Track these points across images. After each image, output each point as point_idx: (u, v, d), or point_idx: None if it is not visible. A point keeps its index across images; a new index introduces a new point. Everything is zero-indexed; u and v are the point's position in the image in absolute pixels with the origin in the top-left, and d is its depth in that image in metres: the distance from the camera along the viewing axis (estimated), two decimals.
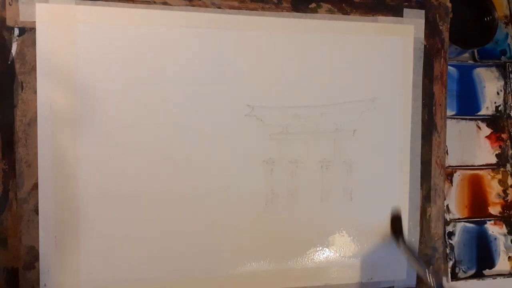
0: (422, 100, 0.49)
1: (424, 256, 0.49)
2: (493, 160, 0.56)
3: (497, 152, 0.56)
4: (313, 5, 0.46)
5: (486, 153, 0.56)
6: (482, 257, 0.55)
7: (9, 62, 0.39)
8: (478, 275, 0.54)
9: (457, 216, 0.54)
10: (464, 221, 0.54)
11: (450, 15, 0.49)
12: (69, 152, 0.40)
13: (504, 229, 0.55)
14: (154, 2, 0.42)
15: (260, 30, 0.44)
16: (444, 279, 0.52)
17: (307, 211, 0.46)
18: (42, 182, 0.40)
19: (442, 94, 0.49)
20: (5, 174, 0.40)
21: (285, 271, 0.46)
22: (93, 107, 0.41)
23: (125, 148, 0.42)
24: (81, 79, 0.40)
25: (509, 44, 0.57)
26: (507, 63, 0.56)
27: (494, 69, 0.56)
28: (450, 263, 0.53)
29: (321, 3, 0.46)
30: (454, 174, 0.55)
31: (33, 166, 0.40)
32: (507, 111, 0.56)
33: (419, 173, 0.49)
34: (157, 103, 0.42)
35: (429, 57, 0.49)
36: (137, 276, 0.42)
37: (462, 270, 0.54)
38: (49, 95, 0.40)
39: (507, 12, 0.57)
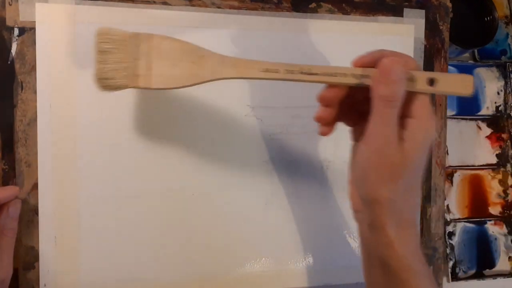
0: None
1: (425, 256, 0.49)
2: (494, 160, 0.56)
3: (497, 152, 0.56)
4: (313, 5, 0.46)
5: (487, 153, 0.56)
6: (482, 257, 0.55)
7: (8, 62, 0.39)
8: (478, 275, 0.54)
9: (457, 216, 0.54)
10: (465, 221, 0.54)
11: (451, 15, 0.49)
12: (69, 152, 0.40)
13: (505, 229, 0.55)
14: (154, 2, 0.42)
15: (260, 30, 0.44)
16: None
17: (307, 211, 0.46)
18: (42, 182, 0.40)
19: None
20: (5, 174, 0.40)
21: (285, 271, 0.46)
22: (93, 107, 0.41)
23: (125, 148, 0.42)
24: (81, 79, 0.40)
25: (509, 44, 0.57)
26: (507, 63, 0.56)
27: (494, 69, 0.56)
28: (450, 263, 0.53)
29: (321, 3, 0.46)
30: (455, 174, 0.54)
31: (33, 166, 0.40)
32: (507, 111, 0.56)
33: None
34: (157, 103, 0.42)
35: (430, 57, 0.49)
36: (137, 276, 0.42)
37: (462, 270, 0.53)
38: (49, 95, 0.40)
39: (507, 12, 0.57)
